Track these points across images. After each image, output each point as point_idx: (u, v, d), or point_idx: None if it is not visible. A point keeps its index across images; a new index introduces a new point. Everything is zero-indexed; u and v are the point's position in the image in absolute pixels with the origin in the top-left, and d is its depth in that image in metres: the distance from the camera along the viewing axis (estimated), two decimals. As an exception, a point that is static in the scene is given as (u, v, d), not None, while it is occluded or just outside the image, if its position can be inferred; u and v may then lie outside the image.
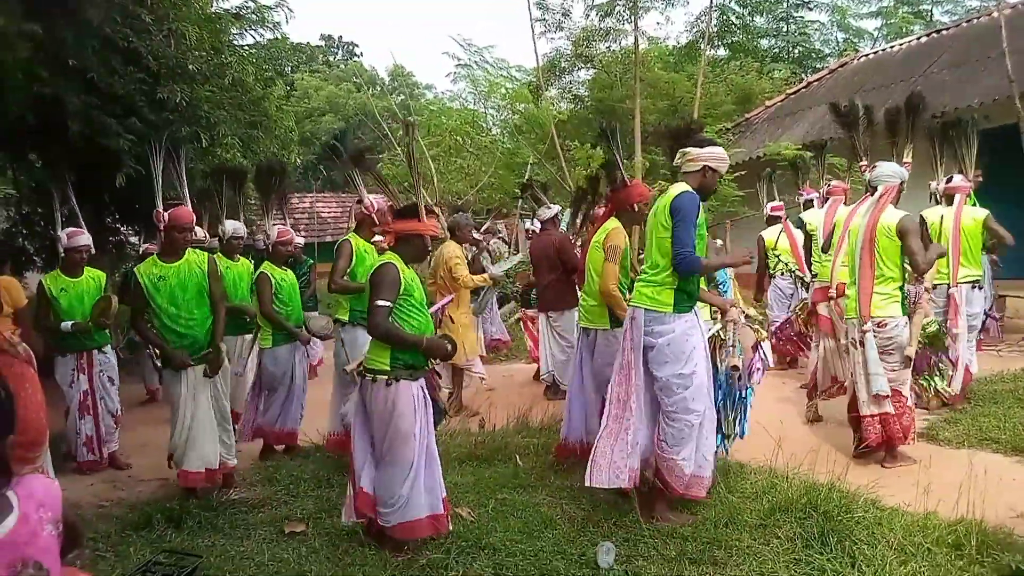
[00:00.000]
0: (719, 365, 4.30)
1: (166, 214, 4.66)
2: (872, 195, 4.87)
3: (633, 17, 15.33)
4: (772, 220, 8.27)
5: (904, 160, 5.16)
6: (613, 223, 4.82)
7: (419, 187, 4.25)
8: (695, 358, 3.94)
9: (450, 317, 6.54)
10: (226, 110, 8.36)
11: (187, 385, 4.61)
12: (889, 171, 4.82)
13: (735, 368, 4.13)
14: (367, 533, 3.91)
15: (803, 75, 19.79)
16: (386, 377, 3.69)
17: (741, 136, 15.52)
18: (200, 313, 4.68)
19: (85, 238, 5.72)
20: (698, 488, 4.01)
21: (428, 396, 3.87)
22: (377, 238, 5.33)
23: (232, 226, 6.06)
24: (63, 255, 5.65)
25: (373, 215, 5.16)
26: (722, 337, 4.32)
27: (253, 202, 7.73)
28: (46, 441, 1.93)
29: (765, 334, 4.66)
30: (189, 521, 4.25)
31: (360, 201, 5.28)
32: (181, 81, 7.62)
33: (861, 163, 5.38)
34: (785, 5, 22.24)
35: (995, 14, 11.74)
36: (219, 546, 3.93)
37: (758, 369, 4.43)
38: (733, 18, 20.74)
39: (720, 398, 4.35)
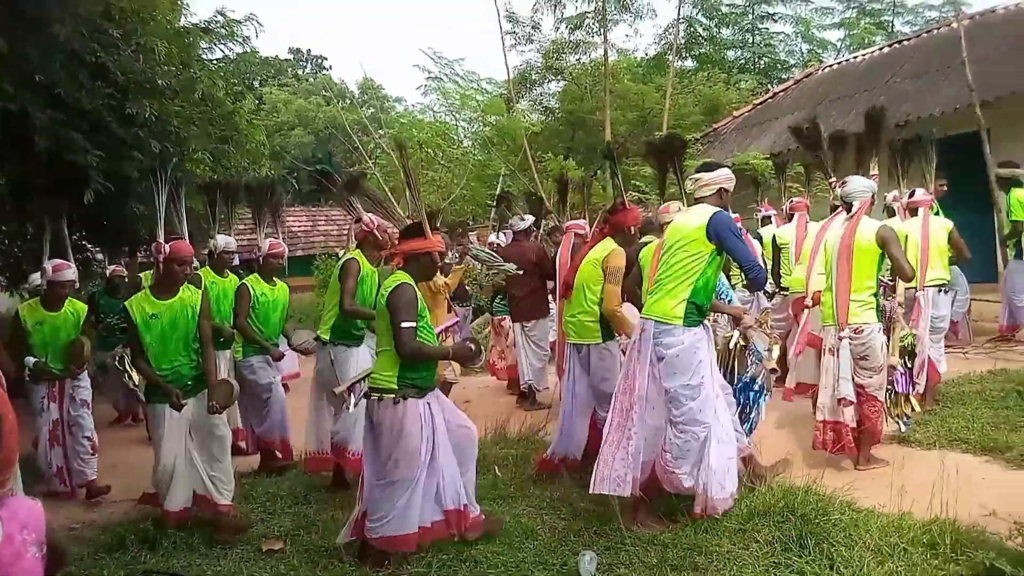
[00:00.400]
0: (743, 371, 4.46)
1: (167, 246, 4.44)
2: (847, 209, 5.00)
3: (602, 30, 15.50)
4: None
5: (871, 173, 5.36)
6: (611, 244, 4.94)
7: (420, 204, 4.25)
8: (702, 371, 4.02)
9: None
10: (196, 125, 8.29)
11: (171, 425, 4.37)
12: (861, 186, 4.95)
13: (774, 371, 4.18)
14: (349, 549, 3.88)
15: (769, 86, 20.11)
16: (393, 396, 3.73)
17: (710, 146, 15.70)
18: (186, 353, 4.46)
19: (71, 272, 5.51)
20: (715, 506, 3.98)
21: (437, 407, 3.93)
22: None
23: (223, 241, 5.98)
24: (45, 287, 5.49)
25: (375, 231, 5.08)
26: (742, 344, 4.44)
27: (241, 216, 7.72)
28: (15, 463, 1.89)
29: (776, 339, 4.78)
30: (164, 542, 4.19)
31: (359, 220, 5.19)
32: (150, 96, 7.53)
33: (831, 179, 5.54)
34: (751, 17, 22.63)
35: (954, 25, 12.03)
36: (196, 566, 3.88)
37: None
38: (700, 30, 21.04)
39: (741, 403, 4.49)
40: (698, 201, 4.22)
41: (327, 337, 5.10)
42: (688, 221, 4.15)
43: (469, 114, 18.10)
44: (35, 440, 5.39)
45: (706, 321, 4.19)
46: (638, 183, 13.13)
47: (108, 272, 7.54)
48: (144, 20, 7.91)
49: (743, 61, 23.04)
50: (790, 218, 7.50)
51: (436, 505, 3.83)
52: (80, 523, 4.77)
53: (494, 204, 9.35)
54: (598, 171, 15.23)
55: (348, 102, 30.79)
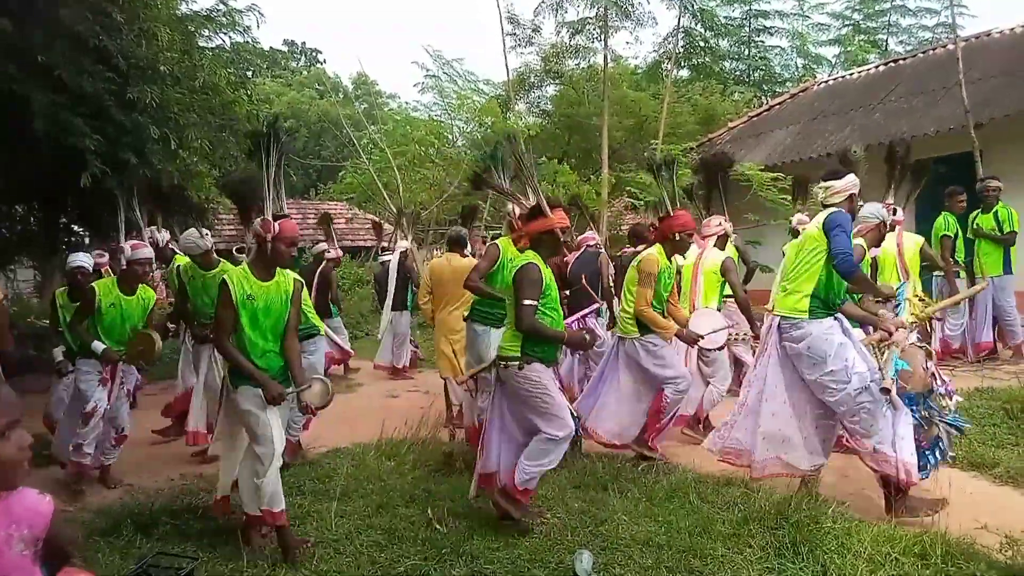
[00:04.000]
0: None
1: (276, 224, 3.97)
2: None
3: (603, 36, 15.57)
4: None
5: (886, 200, 5.49)
6: (652, 250, 5.30)
7: (536, 185, 4.49)
8: (844, 353, 4.19)
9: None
10: (196, 113, 8.29)
11: (273, 419, 3.94)
12: (869, 212, 5.09)
13: (885, 391, 4.08)
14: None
15: (763, 98, 20.26)
16: (517, 363, 4.02)
17: (705, 156, 15.79)
18: (275, 343, 4.06)
19: (149, 251, 5.24)
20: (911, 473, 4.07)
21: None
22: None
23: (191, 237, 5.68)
24: (124, 267, 5.18)
25: (515, 221, 5.07)
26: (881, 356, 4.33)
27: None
28: None
29: (931, 353, 4.74)
30: (158, 528, 4.17)
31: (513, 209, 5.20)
32: (151, 82, 7.54)
33: (887, 201, 5.79)
34: (747, 29, 22.81)
35: (950, 46, 12.19)
36: (191, 552, 3.85)
37: (950, 391, 4.45)
38: (699, 40, 21.17)
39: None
40: (826, 207, 4.38)
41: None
42: (813, 223, 4.43)
43: (465, 114, 18.10)
44: (51, 422, 5.32)
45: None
46: (632, 189, 13.21)
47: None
48: (147, 5, 7.90)
49: (738, 73, 23.22)
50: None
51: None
52: (74, 506, 4.74)
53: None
54: (591, 176, 15.31)
55: (341, 96, 30.74)
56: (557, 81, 18.43)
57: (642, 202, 12.79)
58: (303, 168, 27.85)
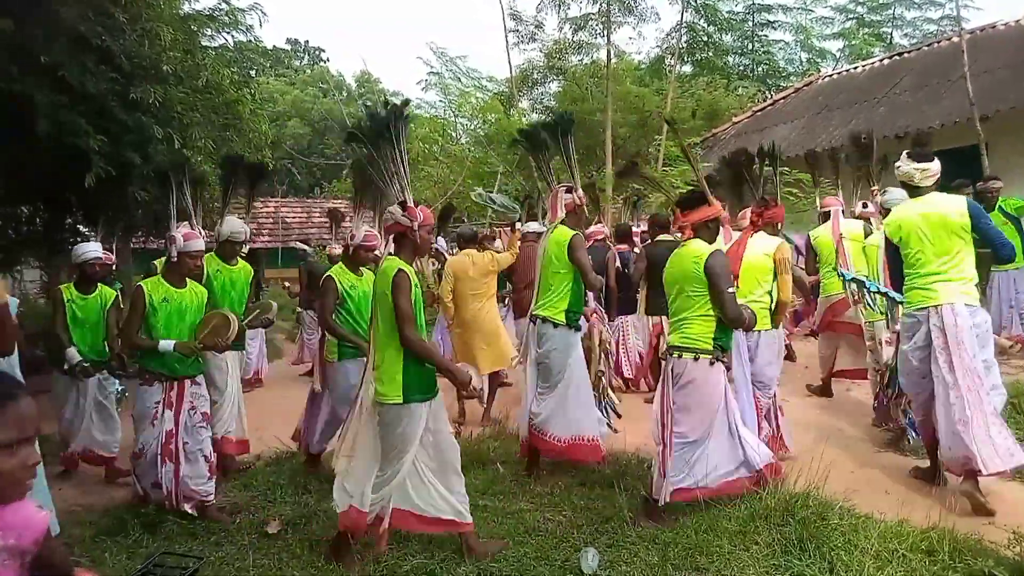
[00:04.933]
0: None
1: (419, 210, 3.77)
2: (884, 215, 5.42)
3: (606, 31, 15.53)
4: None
5: (872, 190, 5.72)
6: (776, 238, 5.17)
7: (701, 175, 4.54)
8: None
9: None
10: (199, 112, 8.28)
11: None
12: (900, 196, 5.20)
13: None
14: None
15: (767, 93, 20.20)
16: (709, 357, 4.10)
17: (709, 151, 15.76)
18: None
19: (201, 243, 4.77)
20: None
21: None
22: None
23: (234, 225, 5.49)
24: (175, 259, 4.64)
25: (584, 205, 5.09)
26: None
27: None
28: None
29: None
30: (165, 527, 4.18)
31: (570, 190, 4.98)
32: (154, 81, 7.52)
33: (873, 188, 5.80)
34: (751, 23, 22.74)
35: (955, 39, 12.13)
36: (197, 552, 3.87)
37: None
38: (702, 35, 21.11)
39: None
40: (918, 190, 4.48)
41: (561, 319, 4.93)
42: (949, 210, 4.37)
43: (469, 111, 18.08)
44: (138, 452, 4.58)
45: None
46: (636, 185, 13.15)
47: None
48: (150, 5, 7.89)
49: (742, 67, 23.15)
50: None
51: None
52: (80, 506, 4.75)
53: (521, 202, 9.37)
54: (594, 172, 15.27)
55: (344, 94, 30.75)
56: (560, 77, 18.39)
57: (646, 197, 12.76)
58: (307, 167, 27.88)
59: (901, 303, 4.73)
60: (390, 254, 3.79)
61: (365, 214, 5.20)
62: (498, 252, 6.87)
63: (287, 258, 18.65)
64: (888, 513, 4.01)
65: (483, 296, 6.60)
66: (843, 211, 6.55)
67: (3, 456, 1.57)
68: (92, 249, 5.54)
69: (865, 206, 6.60)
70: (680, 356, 4.13)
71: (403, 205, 3.73)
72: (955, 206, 4.37)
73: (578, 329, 5.08)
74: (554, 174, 5.22)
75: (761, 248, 5.04)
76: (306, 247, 11.21)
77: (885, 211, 5.39)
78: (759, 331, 5.05)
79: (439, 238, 7.88)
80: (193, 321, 4.66)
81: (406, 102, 4.04)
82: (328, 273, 5.06)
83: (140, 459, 4.51)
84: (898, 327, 5.03)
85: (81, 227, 10.63)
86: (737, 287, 4.76)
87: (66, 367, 5.29)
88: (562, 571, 3.58)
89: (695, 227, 4.19)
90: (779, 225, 5.28)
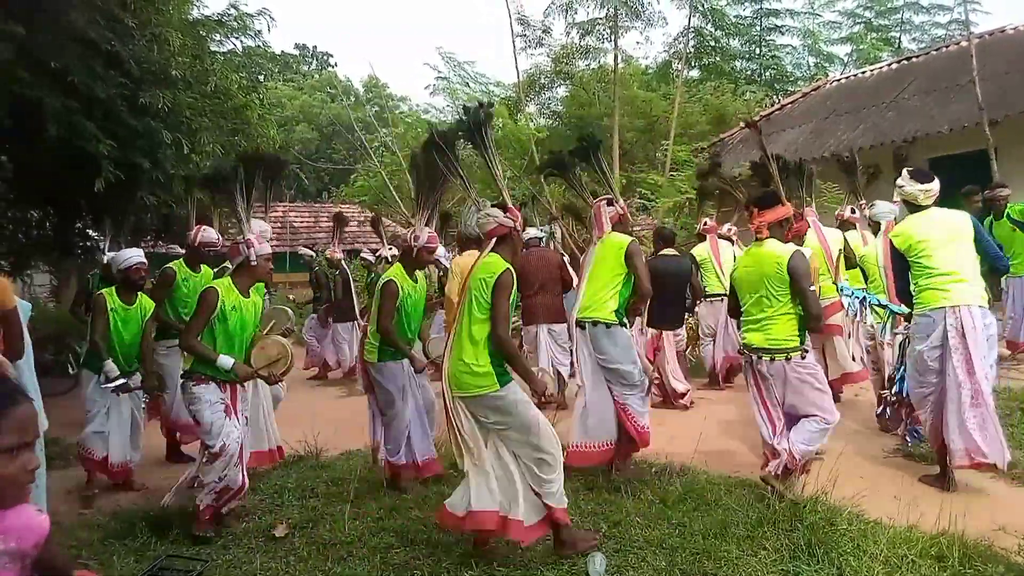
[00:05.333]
0: None
1: (517, 211, 3.89)
2: (874, 228, 5.67)
3: (613, 36, 15.54)
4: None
5: (895, 199, 5.57)
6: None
7: (778, 178, 4.86)
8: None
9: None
10: (208, 117, 8.32)
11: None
12: (887, 208, 5.50)
13: None
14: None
15: (775, 97, 20.18)
16: (799, 352, 4.33)
17: (717, 156, 15.73)
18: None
19: (268, 248, 4.41)
20: None
21: None
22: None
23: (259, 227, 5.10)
24: (253, 262, 4.28)
25: (628, 213, 5.21)
26: None
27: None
28: None
29: None
30: (173, 530, 4.18)
31: (611, 202, 5.08)
32: (163, 86, 7.57)
33: (860, 202, 5.85)
34: (758, 28, 22.71)
35: (963, 43, 12.10)
36: (204, 555, 3.87)
37: None
38: (710, 40, 21.10)
39: None
40: (919, 208, 4.70)
41: (613, 319, 4.93)
42: (955, 222, 4.63)
43: (476, 116, 18.10)
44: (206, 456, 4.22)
45: None
46: (643, 190, 13.18)
47: (105, 258, 6.48)
48: (159, 11, 7.94)
49: (750, 72, 23.12)
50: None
51: None
52: (88, 509, 4.77)
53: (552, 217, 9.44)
54: (597, 188, 15.26)
55: (352, 99, 30.85)
56: (567, 82, 18.40)
57: (653, 203, 12.77)
58: (315, 171, 27.96)
59: (900, 315, 4.96)
60: (492, 252, 3.82)
61: (424, 216, 4.95)
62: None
63: (294, 263, 18.69)
64: (897, 518, 3.99)
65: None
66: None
67: (5, 460, 1.59)
68: (135, 255, 5.30)
69: (854, 211, 6.72)
70: (773, 360, 4.33)
71: (503, 207, 3.82)
72: (960, 218, 4.64)
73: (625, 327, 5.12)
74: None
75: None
76: (312, 252, 11.28)
77: (874, 223, 5.57)
78: None
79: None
80: (251, 335, 4.40)
81: (490, 104, 4.22)
82: (390, 278, 4.87)
83: (220, 459, 4.07)
84: (897, 332, 5.30)
85: (91, 231, 10.70)
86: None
87: (102, 380, 5.06)
88: (569, 575, 3.57)
89: (770, 226, 4.36)
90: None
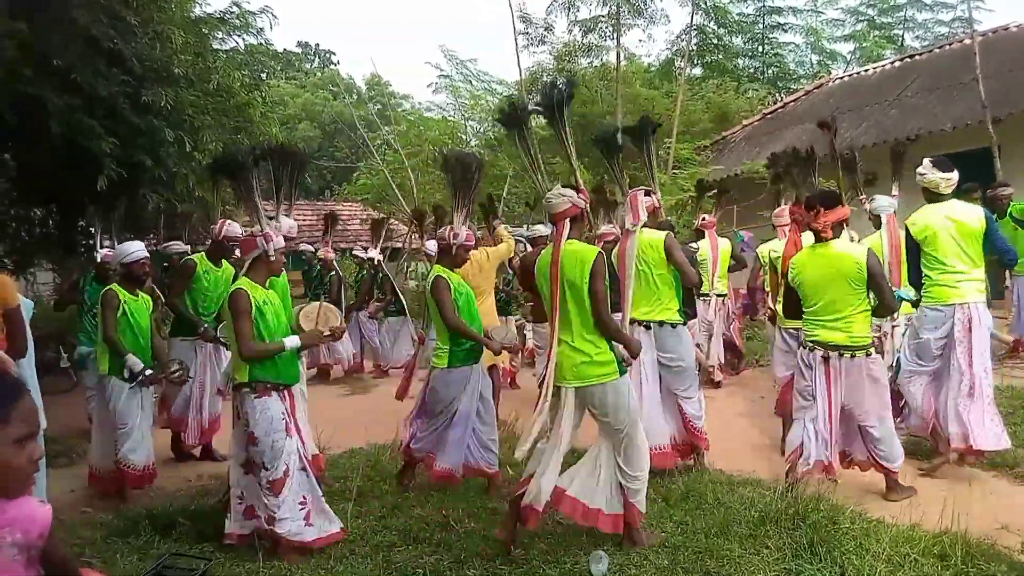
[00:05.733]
0: None
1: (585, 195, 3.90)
2: (875, 222, 5.62)
3: (616, 34, 15.51)
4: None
5: (893, 193, 5.73)
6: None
7: (860, 177, 5.23)
8: None
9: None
10: (210, 115, 8.33)
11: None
12: (887, 202, 5.52)
13: None
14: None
15: (778, 95, 20.14)
16: (874, 349, 4.49)
17: (719, 154, 15.73)
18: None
19: (283, 241, 4.34)
20: None
21: None
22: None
23: (287, 224, 4.86)
24: (271, 257, 4.15)
25: (660, 209, 5.21)
26: None
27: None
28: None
29: None
30: (176, 529, 4.18)
31: (649, 193, 5.05)
32: (166, 84, 7.58)
33: (861, 197, 5.90)
34: (761, 26, 22.67)
35: (967, 40, 12.07)
36: (207, 553, 3.88)
37: None
38: (712, 38, 21.06)
39: None
40: (939, 196, 4.92)
41: (679, 320, 5.03)
42: (965, 216, 4.85)
43: (479, 114, 18.08)
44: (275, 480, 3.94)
45: None
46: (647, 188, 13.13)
47: (99, 256, 6.27)
48: (161, 8, 7.94)
49: (752, 70, 23.08)
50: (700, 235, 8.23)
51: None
52: (91, 507, 4.77)
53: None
54: (604, 175, 15.24)
55: (355, 97, 30.82)
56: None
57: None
58: (317, 169, 27.94)
59: (910, 300, 5.02)
60: (571, 238, 3.80)
61: (461, 212, 4.85)
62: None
63: (296, 261, 18.71)
64: (900, 517, 3.99)
65: (485, 292, 6.62)
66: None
67: (15, 450, 1.62)
68: (138, 248, 5.13)
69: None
70: (853, 356, 4.40)
71: (574, 187, 3.83)
72: (975, 214, 4.85)
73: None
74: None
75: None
76: (312, 249, 11.20)
77: (875, 217, 5.53)
78: None
79: (428, 242, 7.88)
80: (287, 320, 4.33)
81: (573, 81, 4.29)
82: (439, 274, 4.77)
83: (283, 488, 3.86)
84: (895, 324, 5.40)
85: (92, 229, 10.71)
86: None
87: (127, 376, 4.89)
88: (572, 574, 3.57)
89: (833, 226, 4.43)
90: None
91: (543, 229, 7.34)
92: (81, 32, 6.87)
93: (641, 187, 5.05)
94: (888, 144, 10.82)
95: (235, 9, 9.36)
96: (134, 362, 4.87)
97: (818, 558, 3.55)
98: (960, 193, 8.07)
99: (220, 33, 9.36)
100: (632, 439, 3.78)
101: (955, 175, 4.88)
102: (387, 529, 4.16)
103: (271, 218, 4.71)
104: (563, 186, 3.83)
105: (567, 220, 3.78)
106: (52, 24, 6.74)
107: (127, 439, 4.89)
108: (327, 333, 4.40)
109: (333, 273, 9.52)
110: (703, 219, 8.21)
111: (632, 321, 4.85)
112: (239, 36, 9.61)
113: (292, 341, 4.02)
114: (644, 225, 4.93)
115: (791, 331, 5.55)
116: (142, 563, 3.76)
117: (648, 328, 4.95)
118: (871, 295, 4.42)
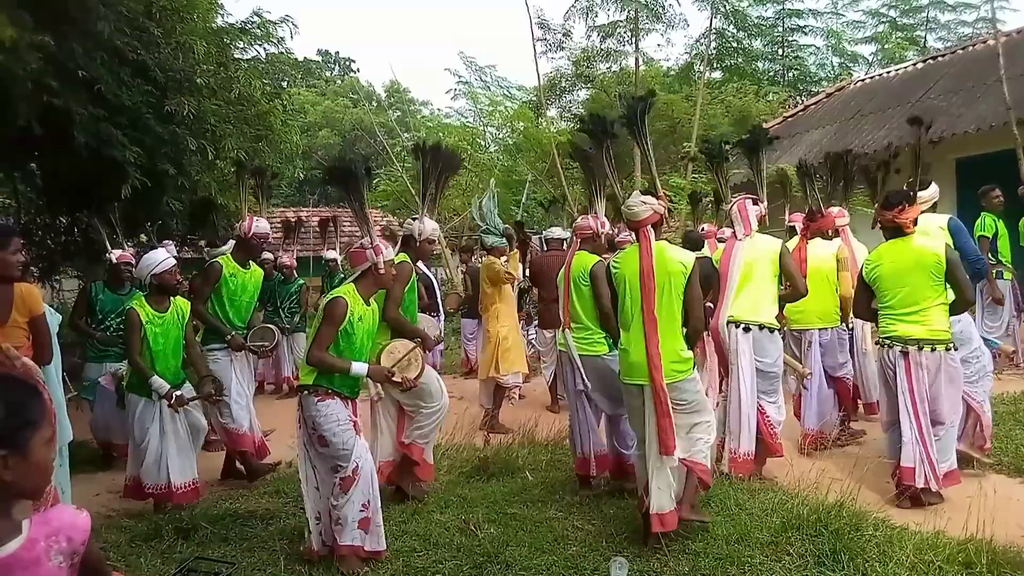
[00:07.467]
0: None
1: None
2: None
3: (634, 39, 15.50)
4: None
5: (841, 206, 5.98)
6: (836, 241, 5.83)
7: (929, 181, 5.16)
8: None
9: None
10: (232, 124, 8.40)
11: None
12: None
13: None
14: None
15: (798, 98, 20.00)
16: (945, 346, 4.49)
17: (739, 157, 15.61)
18: None
19: (392, 252, 4.17)
20: None
21: None
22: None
23: (430, 226, 4.82)
24: (381, 270, 3.98)
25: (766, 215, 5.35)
26: None
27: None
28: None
29: None
30: (199, 533, 4.23)
31: (757, 201, 5.18)
32: (188, 94, 7.65)
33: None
34: (781, 29, 22.54)
35: (990, 41, 11.92)
36: (230, 557, 3.91)
37: None
38: (732, 41, 20.97)
39: None
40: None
41: (777, 325, 5.16)
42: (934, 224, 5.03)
43: (498, 120, 18.13)
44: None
45: None
46: (668, 193, 13.09)
47: (113, 257, 5.90)
48: (184, 19, 8.04)
49: (772, 73, 22.94)
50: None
51: None
52: (116, 511, 4.82)
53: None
54: (624, 180, 15.22)
55: (375, 104, 31.02)
56: (588, 85, 18.39)
57: (676, 207, 12.69)
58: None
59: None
60: (659, 240, 3.96)
61: (427, 203, 4.75)
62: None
63: (318, 267, 18.82)
64: (924, 524, 3.95)
65: (489, 305, 7.17)
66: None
67: (47, 450, 1.64)
68: (166, 256, 4.90)
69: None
70: (933, 349, 4.40)
71: (653, 193, 3.94)
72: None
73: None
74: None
75: (827, 250, 5.71)
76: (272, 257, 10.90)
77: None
78: (831, 327, 5.74)
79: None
80: (373, 342, 4.14)
81: (653, 93, 4.48)
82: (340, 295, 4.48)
83: (356, 483, 3.78)
84: None
85: (116, 236, 10.85)
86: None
87: (155, 399, 4.73)
88: (591, 580, 3.57)
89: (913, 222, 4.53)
90: (828, 232, 5.76)
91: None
92: (105, 43, 6.97)
93: (749, 195, 5.16)
94: (911, 147, 10.73)
95: (256, 19, 9.45)
96: (159, 384, 4.68)
97: (841, 565, 3.52)
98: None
99: (241, 43, 9.45)
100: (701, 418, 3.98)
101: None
102: (407, 534, 4.17)
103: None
104: (643, 192, 3.94)
105: (650, 226, 3.91)
106: (77, 36, 6.83)
107: (144, 455, 4.76)
108: (396, 378, 4.20)
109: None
110: (703, 228, 8.11)
111: (730, 322, 5.06)
112: (260, 45, 9.69)
113: (360, 368, 3.89)
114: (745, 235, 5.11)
115: (795, 333, 5.82)
116: (165, 567, 3.81)
117: (747, 330, 5.02)
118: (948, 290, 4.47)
